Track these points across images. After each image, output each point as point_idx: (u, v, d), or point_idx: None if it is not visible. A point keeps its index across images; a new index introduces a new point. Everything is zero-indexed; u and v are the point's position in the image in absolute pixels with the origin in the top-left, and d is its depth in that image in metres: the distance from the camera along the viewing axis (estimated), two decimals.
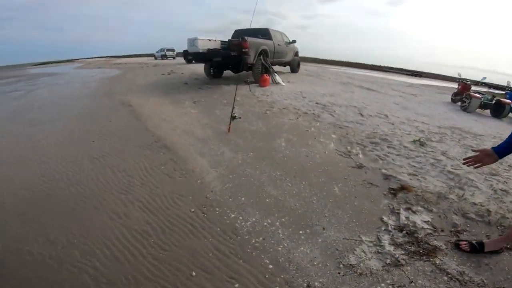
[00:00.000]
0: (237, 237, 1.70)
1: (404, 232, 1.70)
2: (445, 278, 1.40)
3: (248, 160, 2.73)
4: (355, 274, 1.43)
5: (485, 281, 1.39)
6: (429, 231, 1.72)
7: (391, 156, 2.87)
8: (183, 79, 8.28)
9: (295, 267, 1.48)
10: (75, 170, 2.61)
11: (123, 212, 1.97)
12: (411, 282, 1.38)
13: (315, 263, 1.51)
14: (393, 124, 3.96)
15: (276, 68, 8.02)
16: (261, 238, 1.69)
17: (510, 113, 5.93)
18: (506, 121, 5.68)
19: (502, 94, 7.86)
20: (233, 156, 2.82)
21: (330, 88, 6.92)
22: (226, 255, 1.57)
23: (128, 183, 2.35)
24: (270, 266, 1.49)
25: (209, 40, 7.32)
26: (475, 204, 2.03)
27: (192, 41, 7.04)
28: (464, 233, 1.74)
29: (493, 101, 6.16)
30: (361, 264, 1.48)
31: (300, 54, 10.31)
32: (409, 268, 1.45)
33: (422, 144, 3.21)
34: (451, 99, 7.22)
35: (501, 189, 2.27)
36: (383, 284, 1.37)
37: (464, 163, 1.43)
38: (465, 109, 6.07)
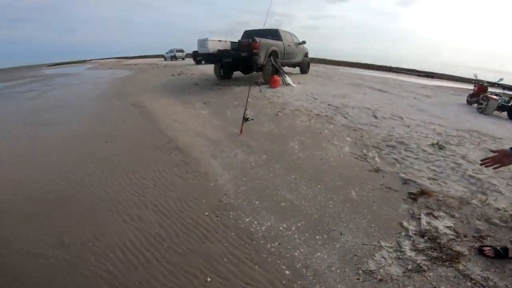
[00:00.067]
0: (252, 242, 1.67)
1: (425, 237, 1.66)
2: (469, 283, 1.36)
3: (261, 163, 2.69)
4: (375, 280, 1.39)
5: (509, 286, 1.35)
6: (452, 237, 1.67)
7: (409, 159, 2.78)
8: (193, 80, 8.31)
9: (313, 273, 1.44)
10: (89, 171, 2.62)
11: (136, 214, 1.95)
12: (434, 287, 1.34)
13: (333, 269, 1.46)
14: (408, 126, 3.86)
15: (286, 69, 7.96)
16: (276, 243, 1.65)
17: None
18: None
19: None
20: (246, 158, 2.78)
21: (342, 90, 6.82)
22: (242, 260, 1.54)
23: (141, 184, 2.34)
24: (287, 272, 1.45)
25: (219, 40, 7.31)
26: (498, 209, 1.96)
27: (202, 42, 7.04)
28: (488, 238, 1.69)
29: (511, 103, 5.94)
30: (381, 270, 1.44)
31: (309, 55, 10.23)
32: (431, 274, 1.41)
33: (441, 148, 3.11)
34: (467, 100, 7.01)
35: None
36: None
37: (482, 164, 1.38)
38: (482, 111, 5.88)
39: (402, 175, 2.46)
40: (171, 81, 8.66)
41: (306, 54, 9.93)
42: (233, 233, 1.74)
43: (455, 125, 4.24)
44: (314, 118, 4.03)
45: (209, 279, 1.41)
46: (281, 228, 1.78)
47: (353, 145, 3.15)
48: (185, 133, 3.54)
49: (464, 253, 1.55)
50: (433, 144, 3.19)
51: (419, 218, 1.84)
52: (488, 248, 1.57)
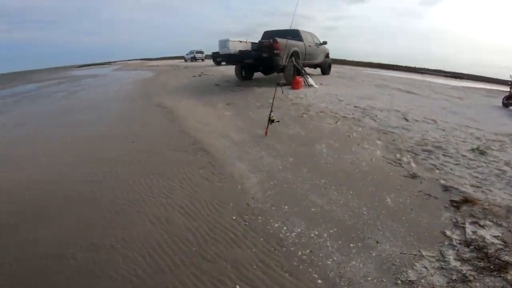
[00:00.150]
0: (282, 249, 1.60)
1: (471, 247, 1.57)
2: None
3: (288, 166, 2.61)
4: None
5: None
6: (500, 246, 1.57)
7: (448, 165, 2.59)
8: (214, 81, 8.37)
9: (347, 283, 1.36)
10: (118, 172, 2.64)
11: (164, 217, 1.93)
12: None
13: (369, 278, 1.38)
14: (444, 130, 3.62)
15: (307, 70, 7.82)
16: (308, 251, 1.58)
17: None
18: None
19: None
20: (272, 161, 2.71)
21: (367, 91, 6.58)
22: (271, 267, 1.48)
23: (168, 186, 2.33)
24: (319, 281, 1.38)
25: (240, 41, 7.29)
26: None
27: (224, 43, 7.05)
28: None
29: None
30: (422, 280, 1.36)
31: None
32: (477, 284, 1.34)
33: (482, 153, 2.88)
34: (503, 103, 6.54)
35: None
36: None
37: None
38: None
39: (442, 181, 2.29)
40: (192, 82, 8.77)
41: (327, 55, 9.74)
42: (262, 239, 1.68)
43: (493, 129, 3.94)
44: (341, 121, 3.89)
45: (237, 287, 1.36)
46: (312, 234, 1.71)
47: (384, 149, 2.99)
48: (209, 134, 3.53)
49: None
50: (473, 149, 2.96)
51: (464, 227, 1.74)
52: None
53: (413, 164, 2.63)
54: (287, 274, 1.42)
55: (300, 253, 1.55)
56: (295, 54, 6.84)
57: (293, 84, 6.32)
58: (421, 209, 1.94)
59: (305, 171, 2.51)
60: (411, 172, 2.47)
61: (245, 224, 1.82)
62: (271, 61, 6.22)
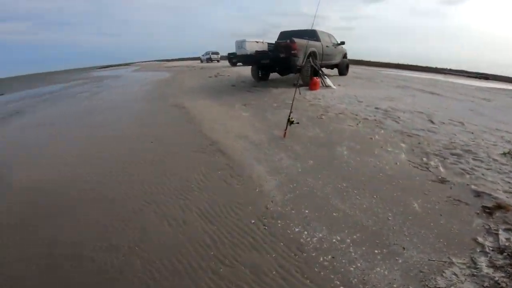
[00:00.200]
0: (302, 254, 1.55)
1: (505, 254, 1.51)
2: None
3: (308, 169, 2.55)
4: None
5: None
6: None
7: (479, 170, 2.44)
8: (231, 82, 8.40)
9: None
10: (137, 172, 2.67)
11: (182, 219, 1.92)
12: None
13: (395, 285, 1.33)
14: (472, 133, 3.43)
15: (324, 70, 7.70)
16: (330, 257, 1.52)
17: None
18: None
19: None
20: (291, 164, 2.65)
21: (387, 92, 6.37)
22: (291, 273, 1.43)
23: (186, 187, 2.32)
24: None
25: (257, 42, 7.27)
26: None
27: (240, 43, 7.05)
28: None
29: None
30: (452, 287, 1.31)
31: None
32: None
33: None
34: None
35: None
36: None
37: None
38: None
39: (473, 187, 2.16)
40: (209, 83, 8.85)
41: (345, 55, 9.57)
42: (281, 244, 1.64)
43: None
44: (362, 122, 3.77)
45: None
46: (334, 240, 1.64)
47: (410, 152, 2.85)
48: (227, 135, 3.52)
49: None
50: (505, 153, 2.78)
51: (497, 234, 1.66)
52: None
53: (441, 169, 2.50)
54: (308, 281, 1.38)
55: (321, 259, 1.50)
56: (312, 55, 6.75)
57: (310, 85, 6.23)
58: (451, 215, 1.84)
59: (326, 174, 2.43)
60: (440, 177, 2.34)
61: (264, 228, 1.78)
62: (288, 62, 6.17)
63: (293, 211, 1.93)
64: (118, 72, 24.61)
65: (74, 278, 1.49)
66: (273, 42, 7.64)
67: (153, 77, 13.96)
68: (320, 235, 1.69)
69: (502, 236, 1.64)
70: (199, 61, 28.60)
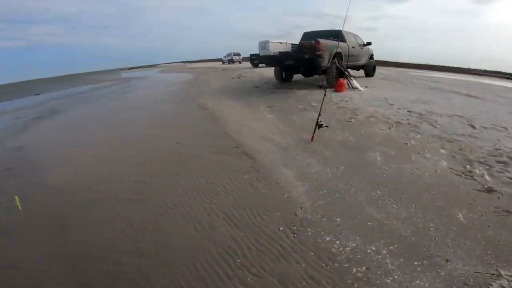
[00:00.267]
0: (334, 264, 1.46)
1: None
2: None
3: (339, 175, 2.42)
4: None
5: None
6: None
7: None
8: (254, 83, 8.36)
9: None
10: (163, 174, 2.66)
11: (208, 223, 1.87)
12: None
13: None
14: None
15: (350, 72, 7.46)
16: (364, 268, 1.42)
17: None
18: None
19: None
20: (321, 169, 2.53)
21: (419, 94, 6.02)
22: (322, 285, 1.35)
23: (212, 191, 2.28)
24: None
25: (280, 43, 7.18)
26: None
27: (264, 44, 6.99)
28: None
29: None
30: None
31: None
32: None
33: None
34: None
35: None
36: None
37: None
38: None
39: None
40: (231, 84, 8.87)
41: (371, 56, 9.25)
42: (312, 253, 1.54)
43: None
44: (395, 127, 3.56)
45: None
46: (369, 250, 1.54)
47: (451, 159, 2.63)
48: (252, 137, 3.45)
49: None
50: None
51: None
52: None
53: (487, 177, 2.28)
54: None
55: (355, 270, 1.41)
56: (338, 56, 6.56)
57: (336, 87, 6.04)
58: (500, 227, 1.70)
59: (358, 180, 2.30)
60: (486, 186, 2.14)
61: (293, 236, 1.69)
62: (313, 63, 6.03)
63: (323, 219, 1.83)
64: (144, 74, 25.55)
65: (99, 283, 1.48)
66: (297, 43, 7.52)
67: (177, 79, 14.28)
68: (354, 244, 1.59)
69: None
70: (220, 63, 28.98)
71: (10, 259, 1.72)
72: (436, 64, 19.65)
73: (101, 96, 10.31)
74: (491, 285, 1.31)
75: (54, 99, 11.08)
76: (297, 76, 8.10)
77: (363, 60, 8.59)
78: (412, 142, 3.06)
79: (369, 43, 8.60)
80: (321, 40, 6.03)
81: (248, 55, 23.47)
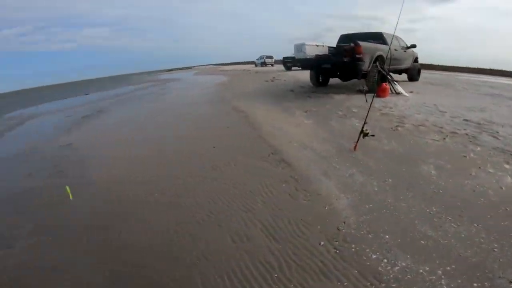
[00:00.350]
0: (380, 284, 1.33)
1: None
2: None
3: (387, 188, 2.21)
4: None
5: None
6: None
7: None
8: (288, 86, 8.24)
9: None
10: (201, 178, 2.64)
11: (245, 234, 1.80)
12: None
13: None
14: None
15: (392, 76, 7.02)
16: None
17: None
18: None
19: None
20: (366, 181, 2.34)
21: (474, 101, 5.44)
22: None
23: (249, 199, 2.20)
24: None
25: (317, 45, 7.00)
26: None
27: (299, 47, 6.86)
28: None
29: None
30: None
31: None
32: None
33: None
34: None
35: None
36: None
37: None
38: None
39: None
40: (265, 87, 8.84)
41: (416, 59, 8.68)
42: (355, 271, 1.42)
43: None
44: (450, 137, 3.21)
45: None
46: (421, 270, 1.39)
47: None
48: (289, 143, 3.33)
49: None
50: None
51: None
52: None
53: None
54: None
55: None
56: (379, 59, 6.23)
57: (378, 92, 5.69)
58: None
59: (409, 196, 2.08)
60: None
61: (335, 251, 1.57)
62: (352, 66, 5.79)
63: (369, 235, 1.68)
64: (180, 76, 26.65)
65: None
66: (335, 45, 7.28)
67: (211, 81, 14.64)
68: (403, 264, 1.45)
69: None
70: (253, 65, 29.20)
71: (53, 259, 1.76)
72: (488, 67, 17.84)
73: (142, 97, 10.90)
74: None
75: (101, 99, 11.94)
76: (333, 80, 7.82)
77: (407, 64, 8.08)
78: (472, 155, 2.72)
79: (413, 46, 8.09)
80: (361, 43, 5.79)
81: (279, 58, 23.35)
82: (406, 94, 5.85)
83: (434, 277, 1.35)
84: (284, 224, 1.86)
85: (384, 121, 3.94)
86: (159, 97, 9.86)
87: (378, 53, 6.16)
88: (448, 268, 1.40)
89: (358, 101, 5.20)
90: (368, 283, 1.33)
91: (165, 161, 3.22)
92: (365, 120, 3.08)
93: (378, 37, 6.94)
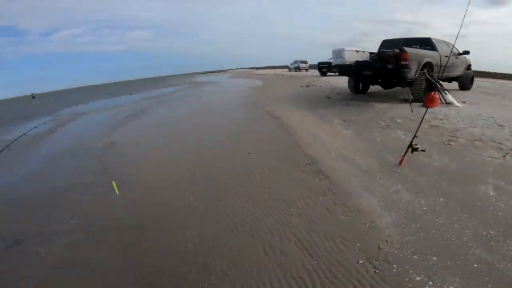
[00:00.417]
0: None
1: None
2: None
3: (437, 208, 2.03)
4: None
5: None
6: None
7: None
8: (324, 93, 8.02)
9: None
10: (236, 185, 2.62)
11: (278, 247, 1.74)
12: None
13: None
14: None
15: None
16: None
17: None
18: None
19: None
20: (413, 199, 2.16)
21: None
22: None
23: (284, 210, 2.14)
24: None
25: (357, 51, 6.71)
26: None
27: (338, 52, 6.63)
28: None
29: None
30: None
31: None
32: None
33: None
34: None
35: None
36: None
37: None
38: None
39: None
40: (300, 93, 8.71)
41: (468, 67, 7.90)
42: None
43: None
44: (510, 155, 2.85)
45: None
46: None
47: None
48: (327, 154, 3.20)
49: None
50: None
51: None
52: None
53: None
54: None
55: None
56: (427, 66, 5.79)
57: (426, 101, 5.26)
58: None
59: (463, 217, 1.90)
60: None
61: (375, 271, 1.48)
62: (397, 74, 5.44)
63: (414, 256, 1.57)
64: (216, 78, 27.45)
65: None
66: (376, 51, 6.94)
67: (245, 84, 14.82)
68: (451, 287, 1.35)
69: None
70: (286, 70, 29.02)
71: (88, 258, 1.83)
72: None
73: (180, 98, 11.41)
74: None
75: (144, 99, 12.72)
76: (373, 88, 7.45)
77: (459, 71, 7.40)
78: None
79: (466, 52, 7.39)
80: (408, 49, 5.42)
81: (313, 63, 22.78)
82: (458, 105, 5.34)
83: None
84: (320, 239, 1.78)
85: (434, 134, 3.62)
86: (196, 99, 10.21)
87: (426, 59, 5.75)
88: None
89: (403, 111, 4.88)
90: None
91: (201, 164, 3.28)
92: (415, 133, 2.85)
93: (425, 43, 6.49)
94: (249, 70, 44.78)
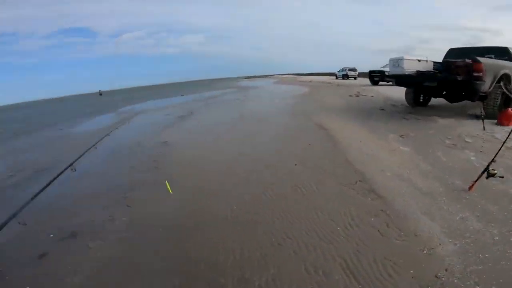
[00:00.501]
0: None
1: None
2: None
3: (511, 239, 1.77)
4: None
5: None
6: None
7: None
8: (377, 104, 7.56)
9: None
10: (280, 198, 2.55)
11: (321, 267, 1.63)
12: None
13: None
14: None
15: None
16: None
17: None
18: None
19: None
20: (483, 228, 1.90)
21: None
22: None
23: (330, 229, 2.02)
24: None
25: (419, 60, 6.19)
26: None
27: (396, 62, 6.19)
28: None
29: None
30: None
31: None
32: None
33: None
34: None
35: None
36: None
37: None
38: None
39: None
40: (350, 103, 8.35)
41: None
42: None
43: None
44: None
45: None
46: None
47: None
48: (381, 172, 2.96)
49: None
50: None
51: None
52: None
53: None
54: None
55: None
56: (505, 78, 5.12)
57: (501, 119, 4.64)
58: None
59: None
60: None
61: None
62: (468, 86, 4.91)
63: (477, 287, 1.41)
64: (260, 83, 27.87)
65: None
66: (441, 61, 6.34)
67: (291, 91, 14.75)
68: None
69: None
70: (333, 77, 28.14)
71: (134, 258, 1.88)
72: None
73: (227, 102, 11.82)
74: None
75: (194, 100, 13.49)
76: (434, 100, 6.79)
77: None
78: None
79: None
80: (482, 59, 4.86)
81: (362, 71, 21.59)
82: None
83: None
84: (368, 263, 1.65)
85: (511, 158, 3.14)
86: (242, 104, 10.45)
87: (503, 71, 5.09)
88: None
89: (473, 128, 4.34)
90: None
91: (246, 173, 3.24)
92: (495, 156, 2.50)
93: (503, 52, 5.76)
94: (292, 76, 44.48)
